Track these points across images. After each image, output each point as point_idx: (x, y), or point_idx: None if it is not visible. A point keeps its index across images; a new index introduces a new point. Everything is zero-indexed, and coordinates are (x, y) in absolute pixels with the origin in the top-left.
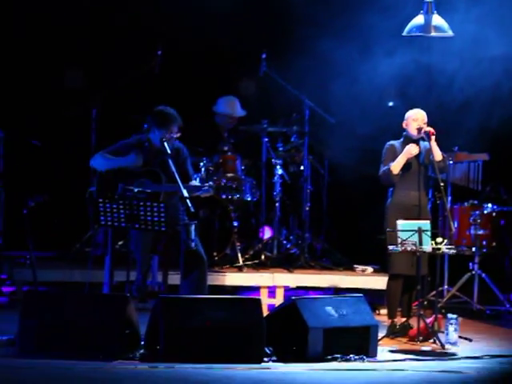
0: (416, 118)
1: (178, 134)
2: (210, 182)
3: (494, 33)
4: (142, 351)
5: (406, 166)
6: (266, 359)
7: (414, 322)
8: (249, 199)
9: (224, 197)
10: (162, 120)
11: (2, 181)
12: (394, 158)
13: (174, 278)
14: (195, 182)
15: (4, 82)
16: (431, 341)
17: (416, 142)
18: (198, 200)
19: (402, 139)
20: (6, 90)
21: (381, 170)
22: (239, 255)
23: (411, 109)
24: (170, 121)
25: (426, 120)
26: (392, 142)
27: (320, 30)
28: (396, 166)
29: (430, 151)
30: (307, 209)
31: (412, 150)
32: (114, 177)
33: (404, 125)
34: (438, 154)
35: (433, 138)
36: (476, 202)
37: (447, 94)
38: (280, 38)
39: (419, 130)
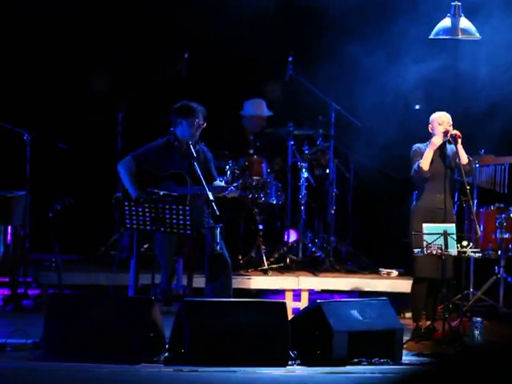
0: (441, 122)
1: (204, 124)
2: (236, 183)
3: None
4: (166, 354)
5: (432, 169)
6: (290, 362)
7: (439, 325)
8: (274, 202)
9: (250, 197)
10: (187, 110)
11: (29, 184)
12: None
13: (199, 281)
14: (219, 183)
15: (31, 86)
16: (456, 344)
17: (442, 145)
18: (224, 203)
19: (427, 142)
20: (33, 94)
21: (412, 170)
22: (264, 258)
23: (436, 112)
24: (195, 109)
25: (451, 123)
26: (418, 145)
27: (347, 35)
28: (425, 162)
29: (456, 154)
30: (332, 212)
31: (436, 140)
32: (140, 181)
33: (429, 128)
34: (464, 157)
35: (459, 141)
36: (502, 205)
37: (474, 97)
38: (307, 41)
39: (445, 133)
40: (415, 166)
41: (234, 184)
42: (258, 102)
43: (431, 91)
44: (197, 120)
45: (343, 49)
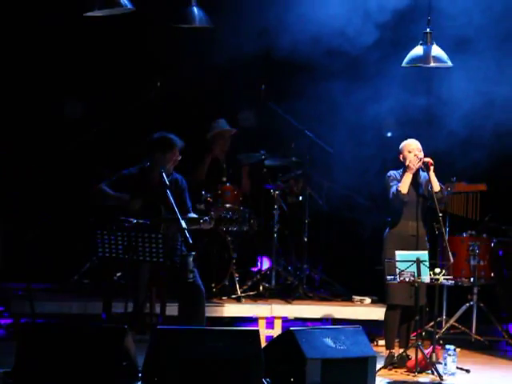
0: (411, 149)
1: (180, 157)
2: (209, 215)
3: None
4: (139, 383)
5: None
6: None
7: (412, 352)
8: (247, 230)
9: (222, 228)
10: (166, 145)
11: (1, 212)
12: (397, 183)
13: (172, 309)
14: (193, 215)
15: (4, 111)
16: (429, 372)
17: (415, 172)
18: (197, 231)
19: (401, 170)
20: (4, 119)
21: (390, 194)
22: (237, 286)
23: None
24: (173, 143)
25: (420, 149)
26: (392, 172)
27: (318, 69)
28: (403, 186)
29: (428, 182)
30: (305, 240)
31: (413, 164)
32: (112, 209)
33: (401, 158)
34: (436, 185)
35: (431, 168)
36: (474, 232)
37: (446, 124)
38: (279, 72)
39: (419, 160)
40: (393, 190)
41: (208, 217)
42: (219, 120)
43: (403, 119)
44: (175, 156)
45: (314, 79)
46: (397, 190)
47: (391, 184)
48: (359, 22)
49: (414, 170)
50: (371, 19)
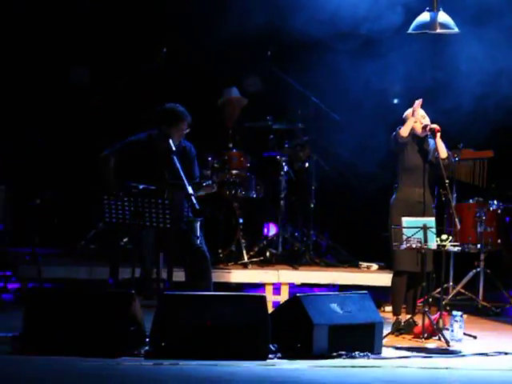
0: (415, 119)
1: (188, 130)
2: (212, 179)
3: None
4: (146, 348)
5: (411, 163)
6: (271, 356)
7: (418, 318)
8: (254, 196)
9: (228, 193)
10: (172, 117)
11: (8, 178)
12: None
13: (179, 275)
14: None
15: (10, 78)
16: (436, 338)
17: (423, 139)
18: (204, 197)
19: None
20: (12, 86)
21: (392, 136)
22: (244, 252)
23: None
24: (180, 118)
25: (425, 116)
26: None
27: (327, 33)
28: (405, 129)
29: (435, 148)
30: (312, 206)
31: (415, 107)
32: (119, 174)
33: None
34: (443, 152)
35: (438, 134)
36: (481, 199)
37: (454, 91)
38: (286, 36)
39: (425, 127)
40: (394, 133)
41: (210, 181)
42: (231, 88)
43: (410, 86)
44: (181, 130)
45: (322, 44)
46: (397, 131)
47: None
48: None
49: (415, 115)
50: None
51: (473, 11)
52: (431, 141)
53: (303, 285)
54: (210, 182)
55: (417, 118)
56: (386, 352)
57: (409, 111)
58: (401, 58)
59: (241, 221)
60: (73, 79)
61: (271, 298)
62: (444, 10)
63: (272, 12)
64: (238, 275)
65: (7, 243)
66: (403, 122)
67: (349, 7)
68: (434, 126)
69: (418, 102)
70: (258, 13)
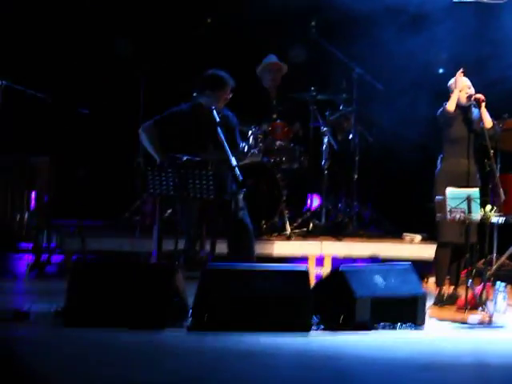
0: (460, 88)
1: (231, 95)
2: (258, 147)
3: None
4: (189, 320)
5: (456, 133)
6: (313, 328)
7: (462, 290)
8: (297, 167)
9: (272, 162)
10: (216, 82)
11: (52, 149)
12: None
13: (222, 247)
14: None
15: (54, 50)
16: (480, 309)
17: (467, 109)
18: (247, 168)
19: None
20: (56, 58)
21: (438, 111)
22: (287, 224)
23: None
24: (224, 82)
25: (470, 85)
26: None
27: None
28: (451, 103)
29: (480, 118)
30: (355, 177)
31: (458, 79)
32: (162, 145)
33: (451, 94)
34: (488, 121)
35: (483, 104)
36: None
37: (499, 62)
38: (329, 5)
39: (469, 97)
40: (441, 109)
41: (255, 149)
42: (270, 55)
43: (456, 55)
44: (225, 94)
45: (365, 13)
46: (444, 107)
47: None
48: None
49: (460, 87)
50: None
51: None
52: (476, 110)
53: (346, 257)
54: (256, 150)
55: (462, 87)
56: (429, 324)
57: (452, 81)
58: (447, 29)
59: (284, 192)
60: (117, 50)
61: (314, 270)
62: None
63: None
64: (281, 247)
65: (51, 215)
66: (448, 92)
67: None
68: (479, 95)
69: (460, 72)
70: None
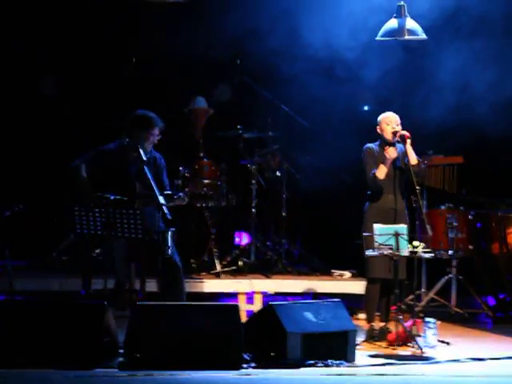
0: (389, 121)
1: (159, 137)
2: (184, 191)
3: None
4: (120, 359)
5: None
6: (244, 365)
7: (392, 326)
8: (225, 205)
9: (199, 205)
10: (144, 122)
11: None
12: (374, 161)
13: (152, 286)
14: (168, 192)
15: None
16: (410, 345)
17: (392, 145)
18: (175, 207)
19: (378, 142)
20: None
21: (368, 178)
22: (216, 262)
23: (384, 112)
24: (152, 123)
25: (399, 122)
26: (369, 145)
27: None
28: (380, 172)
29: (405, 154)
30: (284, 214)
31: (391, 153)
32: (89, 185)
33: (378, 130)
34: (413, 158)
35: (408, 141)
36: (452, 205)
37: (422, 97)
38: (253, 46)
39: (394, 133)
40: (371, 175)
41: (182, 192)
42: (197, 98)
43: (380, 93)
44: (153, 135)
45: (291, 52)
46: (374, 175)
47: (367, 160)
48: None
49: (391, 160)
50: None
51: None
52: (400, 146)
53: (277, 293)
54: (182, 194)
55: (390, 121)
56: (359, 360)
57: (381, 117)
58: (370, 68)
59: (213, 230)
60: (41, 89)
61: (244, 307)
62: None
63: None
64: (210, 285)
65: None
66: (376, 128)
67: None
68: (404, 132)
69: (387, 147)
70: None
